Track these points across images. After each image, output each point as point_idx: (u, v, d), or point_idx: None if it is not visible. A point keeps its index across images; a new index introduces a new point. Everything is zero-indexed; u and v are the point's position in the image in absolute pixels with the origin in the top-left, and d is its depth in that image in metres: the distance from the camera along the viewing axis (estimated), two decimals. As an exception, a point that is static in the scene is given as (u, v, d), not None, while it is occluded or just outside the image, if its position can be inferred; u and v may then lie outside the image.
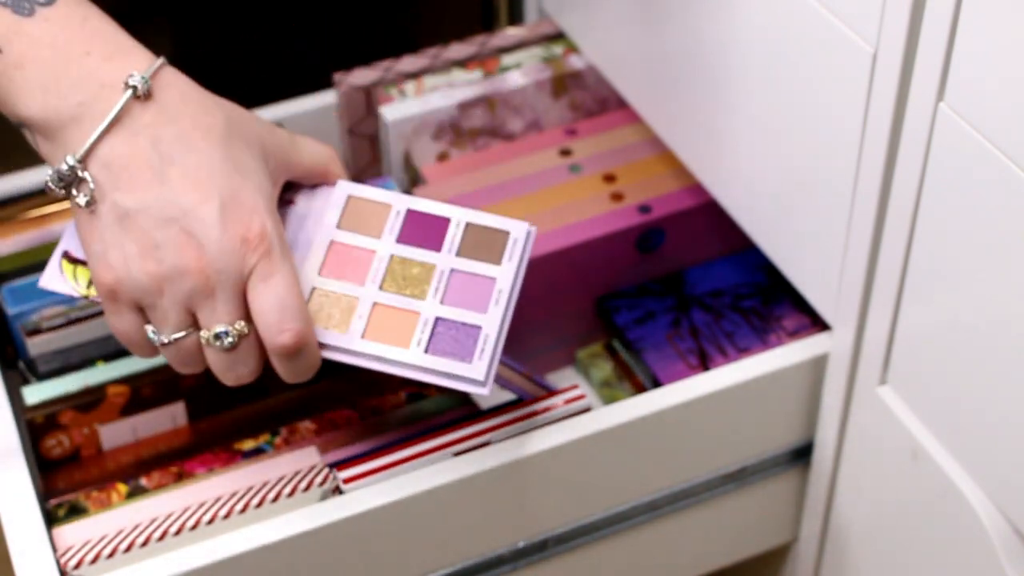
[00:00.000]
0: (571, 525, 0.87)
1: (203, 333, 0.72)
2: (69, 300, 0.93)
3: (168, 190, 0.71)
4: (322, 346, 0.75)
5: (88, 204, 0.72)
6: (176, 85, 0.73)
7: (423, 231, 0.79)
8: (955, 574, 0.80)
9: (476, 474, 0.81)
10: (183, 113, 0.72)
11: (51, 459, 0.89)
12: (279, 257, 0.72)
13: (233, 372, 0.74)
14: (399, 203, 0.80)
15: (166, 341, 0.73)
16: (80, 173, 0.71)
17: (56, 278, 0.77)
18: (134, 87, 0.71)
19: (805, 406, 0.90)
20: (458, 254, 0.79)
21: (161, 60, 0.73)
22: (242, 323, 0.72)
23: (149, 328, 0.73)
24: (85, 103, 0.71)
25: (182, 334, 0.73)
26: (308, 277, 0.77)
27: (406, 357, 0.75)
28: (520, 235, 0.79)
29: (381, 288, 0.77)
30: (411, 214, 0.80)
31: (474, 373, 0.75)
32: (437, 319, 0.77)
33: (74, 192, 0.72)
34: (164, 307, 0.72)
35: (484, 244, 0.79)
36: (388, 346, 0.76)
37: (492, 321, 0.77)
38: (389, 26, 1.30)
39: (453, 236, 0.79)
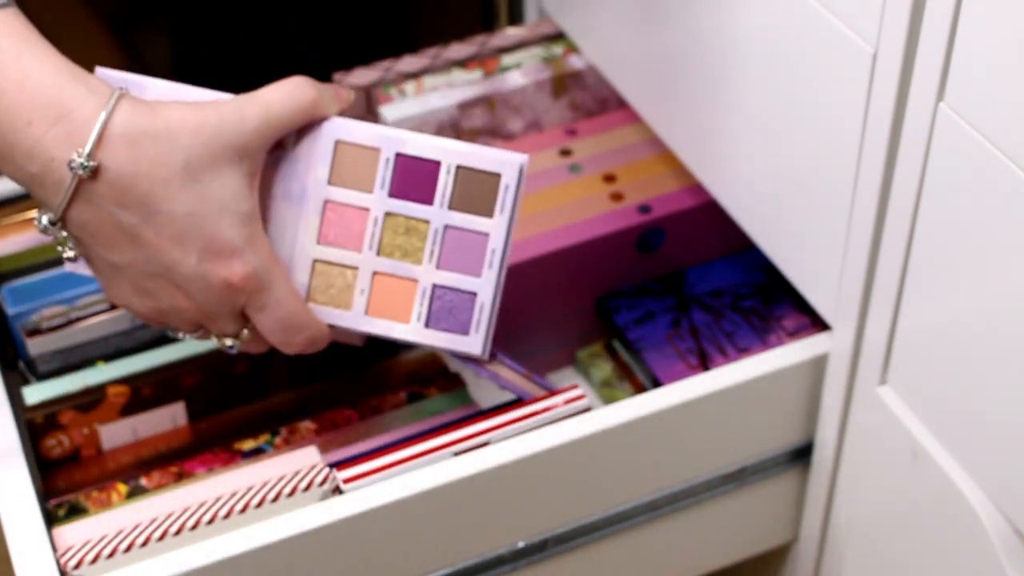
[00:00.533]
0: (571, 525, 0.87)
1: (213, 338, 0.78)
2: (69, 300, 0.93)
3: (146, 251, 0.73)
4: (329, 324, 0.80)
5: (75, 258, 0.75)
6: (125, 145, 0.71)
7: (414, 180, 0.80)
8: (955, 574, 0.80)
9: (476, 474, 0.81)
10: (137, 175, 0.71)
11: (51, 459, 0.89)
12: (269, 286, 0.75)
13: (248, 350, 0.80)
14: (387, 146, 0.80)
15: (180, 338, 0.80)
16: (60, 233, 0.73)
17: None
18: (78, 172, 0.70)
19: (805, 406, 0.90)
20: (450, 207, 0.80)
21: (115, 97, 0.71)
22: (246, 331, 0.77)
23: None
24: (39, 175, 0.71)
25: (195, 335, 0.79)
26: (307, 248, 0.79)
27: (407, 333, 0.80)
28: (512, 178, 0.79)
29: (379, 254, 0.80)
30: (400, 159, 0.80)
31: (472, 348, 0.80)
32: (434, 286, 0.80)
33: (60, 248, 0.74)
34: (173, 325, 0.78)
35: (476, 193, 0.80)
36: (390, 322, 0.80)
37: (487, 286, 0.80)
38: (389, 26, 1.30)
39: (444, 184, 0.79)
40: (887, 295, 0.79)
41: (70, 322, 0.92)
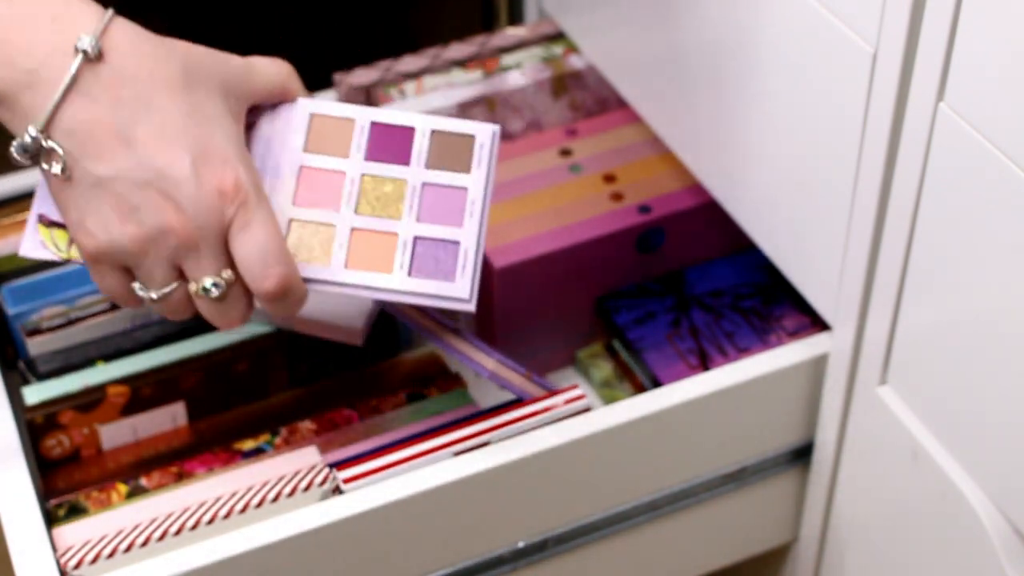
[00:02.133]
0: (571, 525, 0.87)
1: (191, 286, 0.72)
2: (69, 300, 0.93)
3: (138, 154, 0.70)
4: (307, 280, 0.76)
5: (63, 172, 0.70)
6: (127, 39, 0.71)
7: (389, 144, 0.80)
8: (955, 574, 0.80)
9: (476, 474, 0.81)
10: (139, 70, 0.70)
11: (51, 459, 0.89)
12: (255, 204, 0.72)
13: (225, 318, 0.74)
14: (362, 116, 0.80)
15: (155, 297, 0.73)
16: (45, 143, 0.70)
17: (35, 245, 0.76)
18: (84, 51, 0.69)
19: (805, 406, 0.90)
20: (427, 166, 0.79)
21: (110, 13, 0.71)
22: (228, 272, 0.72)
23: (136, 285, 0.73)
24: (35, 70, 0.69)
25: (170, 289, 0.73)
26: (283, 209, 0.78)
27: (391, 283, 0.77)
28: (486, 139, 0.79)
29: (356, 211, 0.78)
30: (375, 127, 0.80)
31: (459, 292, 0.77)
32: (416, 239, 0.78)
33: (44, 164, 0.71)
34: (149, 266, 0.72)
35: (451, 152, 0.79)
36: (372, 273, 0.77)
37: (469, 234, 0.78)
38: (389, 26, 1.30)
39: (420, 146, 0.79)
40: (887, 295, 0.79)
41: (70, 322, 0.92)
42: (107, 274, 0.73)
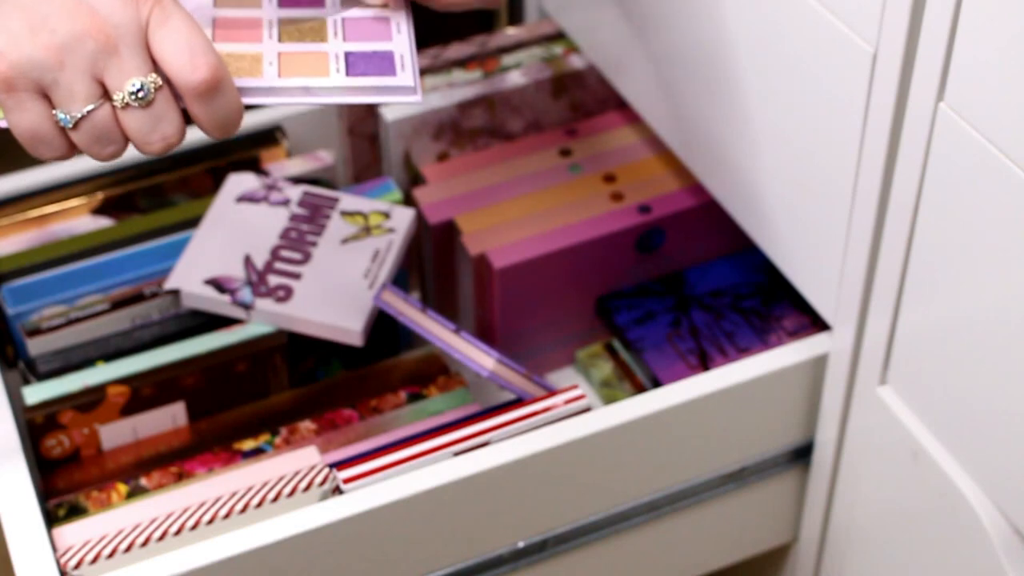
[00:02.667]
0: (571, 525, 0.87)
1: (116, 97, 0.67)
2: (69, 300, 0.93)
3: None
4: (242, 90, 0.71)
5: None
6: None
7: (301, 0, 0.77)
8: (955, 574, 0.80)
9: (476, 474, 0.81)
10: None
11: (51, 459, 0.89)
12: (171, 1, 0.68)
13: (158, 133, 0.69)
14: None
15: (78, 116, 0.67)
16: None
17: None
18: None
19: (805, 406, 0.90)
20: (343, 5, 0.76)
21: None
22: (154, 74, 0.68)
23: (57, 113, 0.67)
24: None
25: (93, 105, 0.67)
26: None
27: (330, 82, 0.72)
28: None
29: (280, 42, 0.74)
30: None
31: (403, 81, 0.73)
32: (347, 53, 0.74)
33: None
34: (68, 80, 0.67)
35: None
36: (307, 77, 0.72)
37: (401, 43, 0.75)
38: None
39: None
40: (887, 295, 0.79)
41: (70, 322, 0.92)
42: (24, 104, 0.67)
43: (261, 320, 0.92)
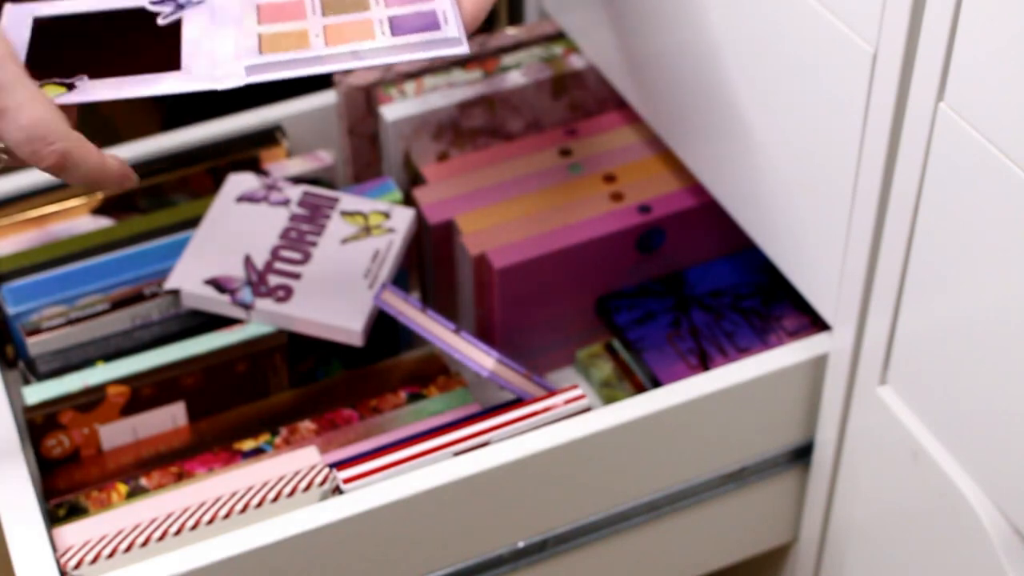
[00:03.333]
0: (571, 525, 0.87)
1: None
2: (69, 300, 0.93)
3: None
4: (293, 64, 0.75)
5: None
6: None
7: None
8: (955, 574, 0.80)
9: (476, 474, 0.81)
10: None
11: (51, 459, 0.89)
12: (8, 88, 0.69)
13: (34, 156, 0.72)
14: None
15: None
16: None
17: None
18: None
19: (805, 406, 0.90)
20: None
21: None
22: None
23: None
24: None
25: None
26: (249, 29, 0.77)
27: (377, 44, 0.76)
28: None
29: (324, 15, 0.78)
30: None
31: (448, 33, 0.76)
32: (391, 17, 0.77)
33: None
34: None
35: None
36: (354, 43, 0.76)
37: (442, 3, 0.78)
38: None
39: None
40: (887, 295, 0.79)
41: (70, 322, 0.92)
42: None
43: (261, 320, 0.92)
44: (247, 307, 0.92)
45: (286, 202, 0.99)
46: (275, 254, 0.95)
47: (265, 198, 0.99)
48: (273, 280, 0.93)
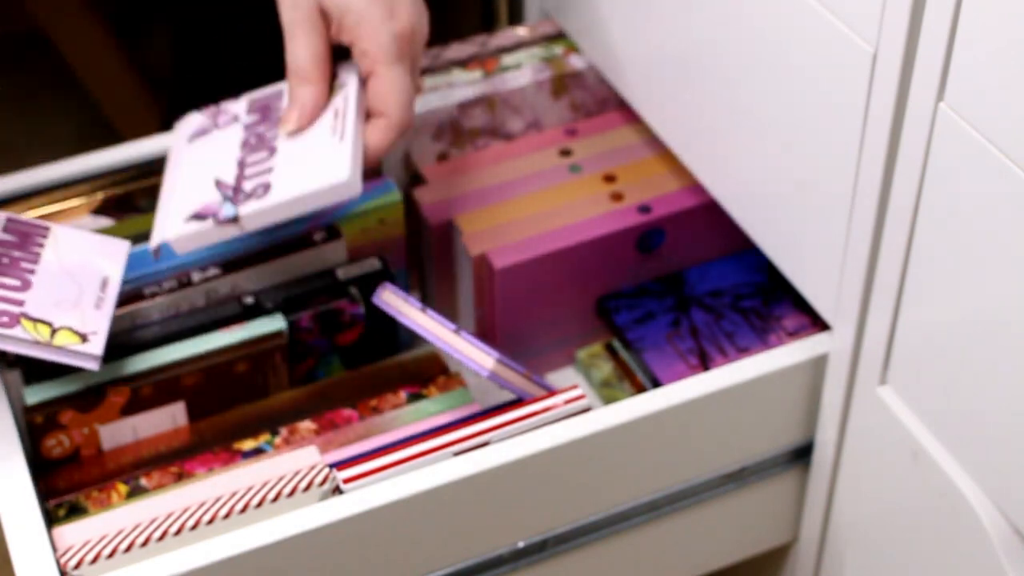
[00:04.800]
0: (571, 525, 0.87)
1: None
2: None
3: None
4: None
5: None
6: None
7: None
8: (955, 574, 0.80)
9: (476, 474, 0.81)
10: None
11: (51, 459, 0.89)
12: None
13: None
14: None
15: None
16: None
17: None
18: None
19: (805, 406, 0.90)
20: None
21: None
22: None
23: None
24: None
25: None
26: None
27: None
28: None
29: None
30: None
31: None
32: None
33: None
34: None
35: None
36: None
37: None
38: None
39: None
40: (887, 295, 0.79)
41: (70, 322, 0.92)
42: None
43: (254, 226, 0.89)
44: (235, 220, 0.88)
45: (235, 118, 0.97)
46: (242, 165, 0.92)
47: (215, 125, 0.97)
48: (249, 185, 0.90)
